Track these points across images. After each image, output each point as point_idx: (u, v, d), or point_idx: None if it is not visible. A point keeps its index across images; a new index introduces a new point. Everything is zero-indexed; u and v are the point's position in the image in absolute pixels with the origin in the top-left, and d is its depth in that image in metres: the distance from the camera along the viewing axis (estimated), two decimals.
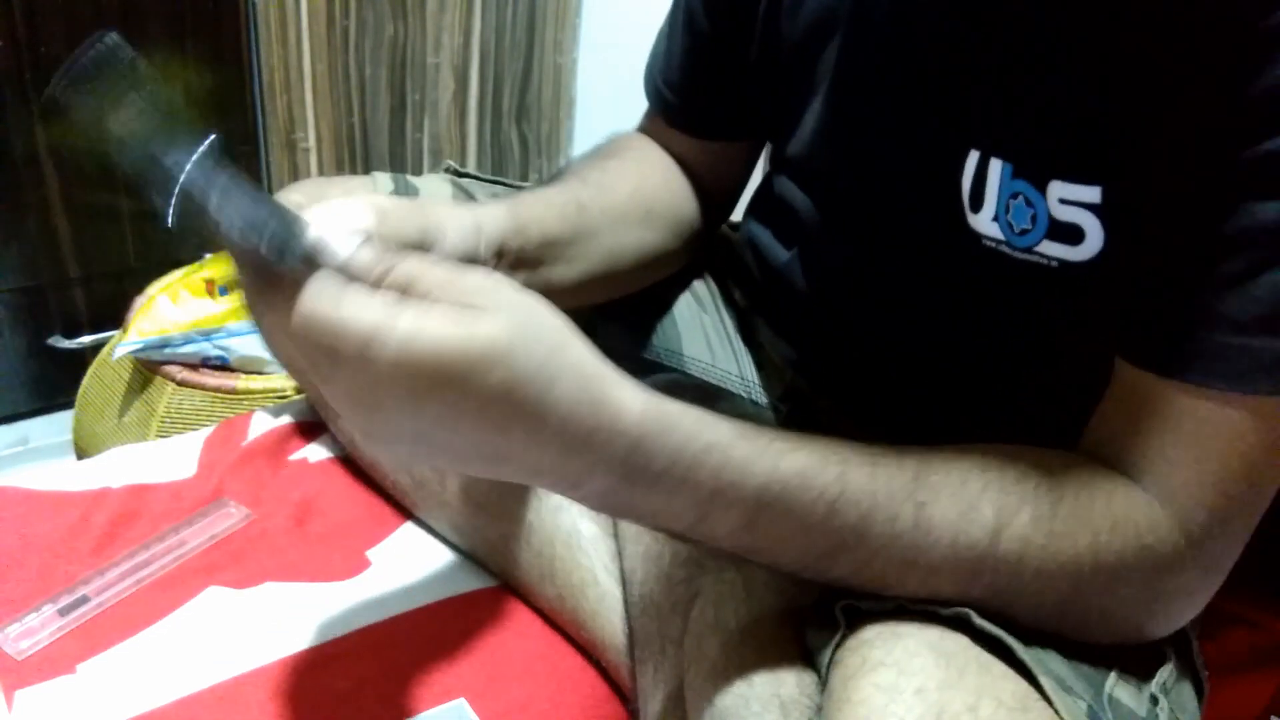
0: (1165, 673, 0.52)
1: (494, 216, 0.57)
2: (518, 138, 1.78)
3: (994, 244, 0.56)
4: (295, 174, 1.54)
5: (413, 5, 1.55)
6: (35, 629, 0.67)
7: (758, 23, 0.69)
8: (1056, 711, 0.43)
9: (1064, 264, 0.53)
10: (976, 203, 0.56)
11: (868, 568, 0.48)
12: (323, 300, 0.40)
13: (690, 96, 0.75)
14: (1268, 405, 0.45)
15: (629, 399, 0.43)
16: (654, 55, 0.78)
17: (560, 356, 0.42)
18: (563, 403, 0.41)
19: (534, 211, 0.60)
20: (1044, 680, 0.44)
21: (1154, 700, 0.50)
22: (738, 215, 0.85)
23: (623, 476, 0.44)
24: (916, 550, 0.47)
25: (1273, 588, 0.81)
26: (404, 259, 0.42)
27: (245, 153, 1.49)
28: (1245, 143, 0.43)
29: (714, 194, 0.80)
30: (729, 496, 0.45)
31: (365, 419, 0.41)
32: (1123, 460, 0.49)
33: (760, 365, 0.79)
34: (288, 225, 0.43)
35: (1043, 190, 0.52)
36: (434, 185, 0.83)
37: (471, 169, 1.37)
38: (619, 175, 0.72)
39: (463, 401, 0.39)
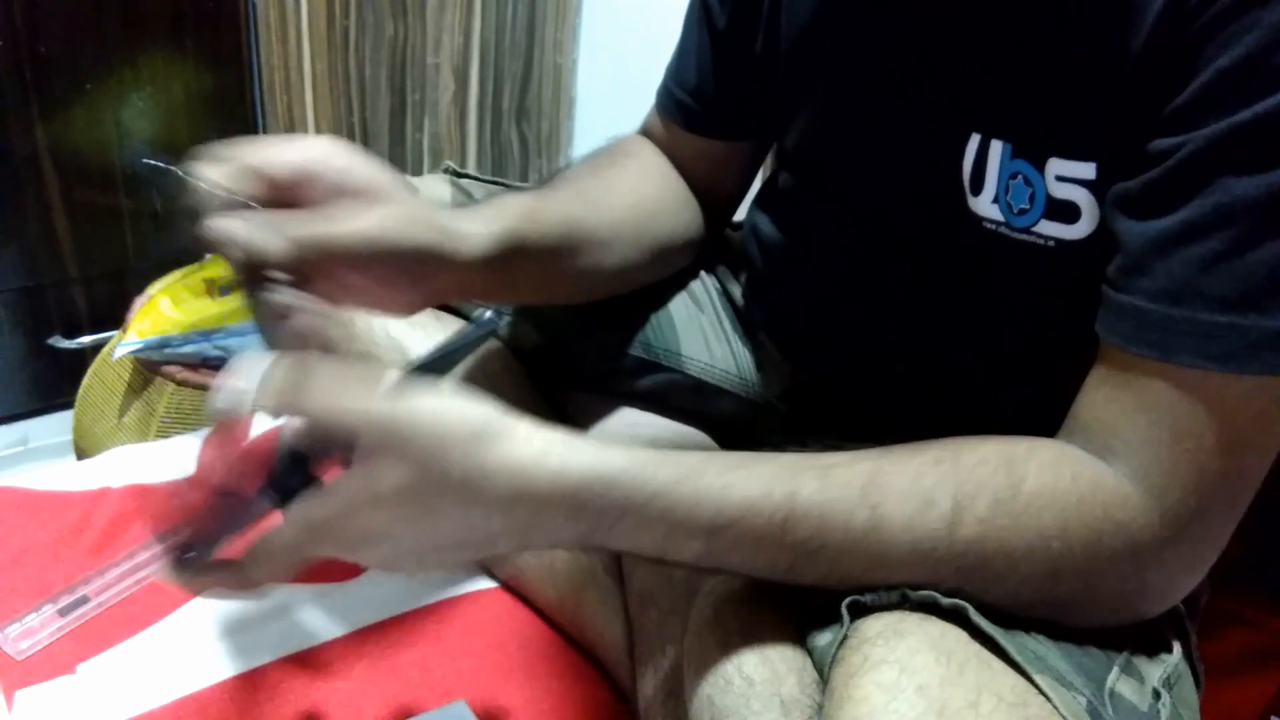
0: (1169, 667, 0.51)
1: (479, 234, 0.58)
2: (518, 138, 1.78)
3: (994, 226, 0.56)
4: None
5: (413, 5, 1.55)
6: (35, 629, 0.67)
7: (762, 15, 0.69)
8: (1055, 708, 0.43)
9: (1060, 244, 0.54)
10: (977, 185, 0.56)
11: (834, 572, 0.49)
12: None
13: (707, 97, 0.75)
14: (1250, 383, 0.45)
15: (565, 471, 0.46)
16: (668, 69, 0.78)
17: (480, 459, 0.45)
18: (501, 500, 0.45)
19: (522, 229, 0.61)
20: (1040, 679, 0.44)
21: (1156, 695, 0.49)
22: (739, 215, 0.85)
23: (583, 535, 0.47)
24: (877, 549, 0.48)
25: (1272, 588, 0.81)
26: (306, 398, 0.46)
27: None
28: (1214, 118, 0.44)
29: (717, 197, 0.80)
30: (684, 531, 0.47)
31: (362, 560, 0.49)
32: (1098, 439, 0.49)
33: (759, 365, 0.79)
34: None
35: (1041, 169, 0.53)
36: (433, 186, 0.83)
37: (471, 169, 1.37)
38: (615, 190, 0.72)
39: (392, 523, 0.45)
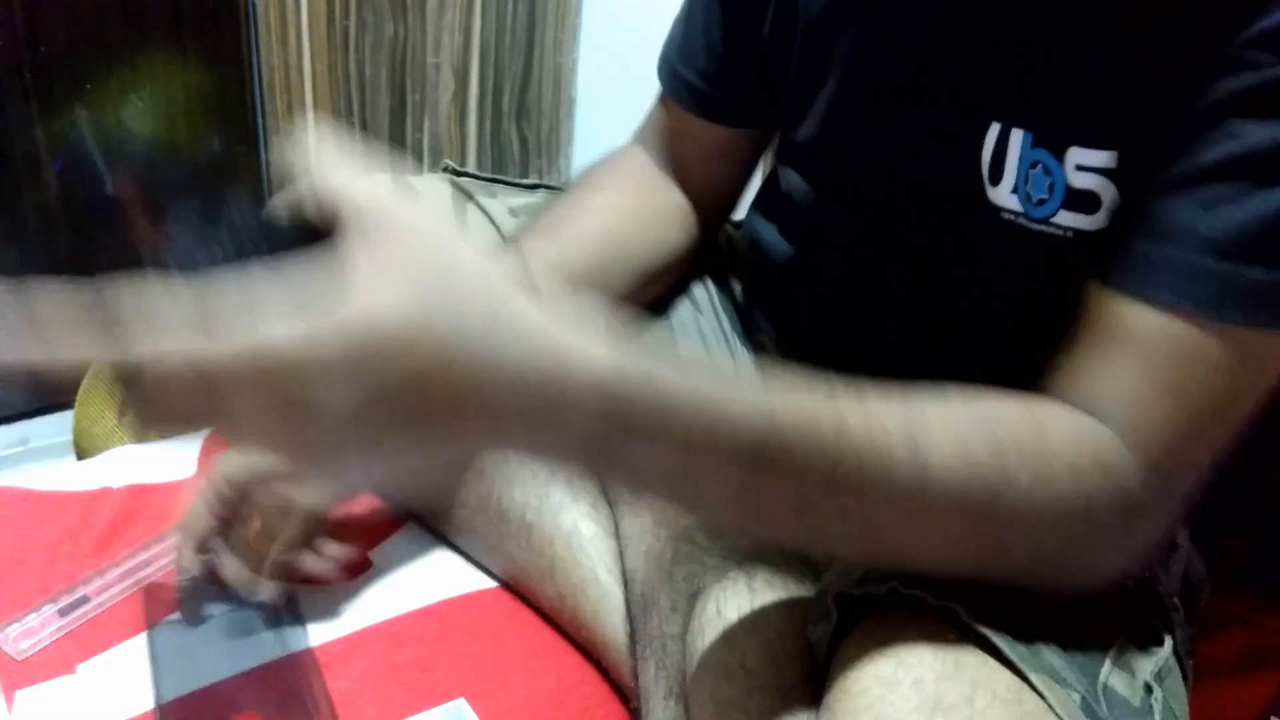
0: (1160, 660, 0.51)
1: None
2: (518, 138, 1.78)
3: (1012, 216, 0.56)
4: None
5: (413, 5, 1.55)
6: (35, 629, 0.68)
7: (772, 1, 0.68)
8: (1050, 705, 0.43)
9: (1078, 234, 0.54)
10: (996, 175, 0.56)
11: (862, 521, 0.44)
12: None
13: (717, 79, 0.73)
14: (1240, 336, 0.45)
15: (599, 350, 0.39)
16: (670, 45, 0.76)
17: (516, 298, 0.38)
18: (529, 347, 0.38)
19: None
20: (1034, 677, 0.44)
21: (1148, 689, 0.49)
22: (739, 214, 0.85)
23: (599, 431, 0.39)
24: (917, 498, 0.44)
25: (1272, 588, 0.81)
26: None
27: (245, 152, 1.49)
28: (1233, 77, 0.44)
29: (716, 192, 0.79)
30: (722, 444, 0.41)
31: (289, 445, 0.38)
32: (1087, 399, 0.48)
33: (759, 366, 0.79)
34: None
35: (1061, 158, 0.53)
36: (432, 185, 0.83)
37: (471, 169, 1.37)
38: (575, 242, 0.71)
39: (380, 387, 0.36)
